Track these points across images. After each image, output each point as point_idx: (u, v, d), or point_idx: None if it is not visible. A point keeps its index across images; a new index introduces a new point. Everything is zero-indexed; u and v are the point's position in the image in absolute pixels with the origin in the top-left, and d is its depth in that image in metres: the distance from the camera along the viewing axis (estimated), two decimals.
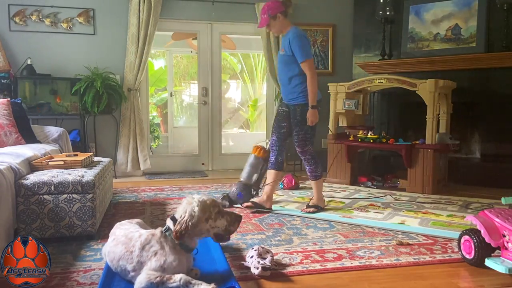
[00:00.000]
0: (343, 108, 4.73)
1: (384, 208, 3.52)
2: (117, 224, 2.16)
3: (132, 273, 1.88)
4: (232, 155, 6.09)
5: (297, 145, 3.39)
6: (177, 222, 1.87)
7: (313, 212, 3.31)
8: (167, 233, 1.90)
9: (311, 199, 3.50)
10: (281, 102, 3.56)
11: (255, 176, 3.65)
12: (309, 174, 3.45)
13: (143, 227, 2.17)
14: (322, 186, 3.48)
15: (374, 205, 3.61)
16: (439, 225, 3.02)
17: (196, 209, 1.89)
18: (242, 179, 3.67)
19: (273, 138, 3.50)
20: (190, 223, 1.86)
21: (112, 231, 2.11)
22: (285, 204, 3.66)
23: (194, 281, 1.80)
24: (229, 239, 2.03)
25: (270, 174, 3.48)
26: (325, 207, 3.47)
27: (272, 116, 5.64)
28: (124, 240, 1.95)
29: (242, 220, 3.09)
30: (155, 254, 1.86)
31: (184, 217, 1.87)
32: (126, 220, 2.20)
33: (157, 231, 1.93)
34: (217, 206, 1.98)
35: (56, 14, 4.88)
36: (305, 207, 3.40)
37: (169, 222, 1.93)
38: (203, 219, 1.91)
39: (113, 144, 5.11)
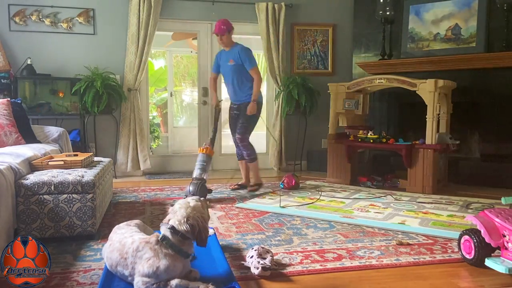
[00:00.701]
0: (343, 108, 4.73)
1: (384, 208, 3.52)
2: (115, 228, 2.14)
3: (129, 278, 1.88)
4: (232, 155, 6.06)
5: (239, 132, 4.16)
6: (195, 235, 1.87)
7: (256, 190, 4.21)
8: (164, 242, 1.85)
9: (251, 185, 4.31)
10: (232, 106, 4.33)
11: (205, 173, 3.93)
12: (247, 158, 4.22)
13: (141, 228, 2.16)
14: (258, 167, 4.31)
15: (375, 205, 3.61)
16: (439, 225, 3.02)
17: (206, 212, 1.97)
18: (195, 177, 3.82)
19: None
20: (205, 229, 1.92)
21: (110, 235, 2.10)
22: (286, 204, 3.65)
23: (191, 284, 1.80)
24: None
25: (242, 163, 4.35)
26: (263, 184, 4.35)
27: (272, 116, 5.65)
28: (118, 246, 1.94)
29: (242, 221, 3.12)
30: (148, 260, 1.82)
31: (197, 228, 1.87)
32: (124, 223, 2.17)
33: (152, 239, 1.88)
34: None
35: (56, 14, 4.88)
36: (249, 188, 4.27)
37: (165, 231, 1.88)
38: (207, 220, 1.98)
39: (113, 144, 5.11)
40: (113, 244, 1.98)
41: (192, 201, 1.95)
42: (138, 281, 1.81)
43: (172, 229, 1.87)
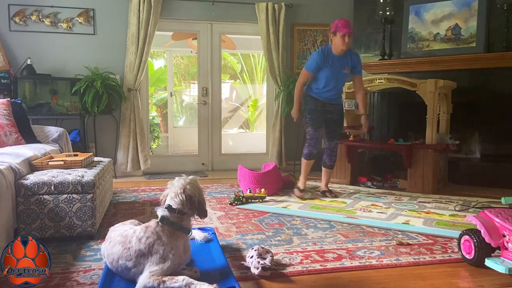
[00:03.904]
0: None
1: (386, 208, 3.52)
2: (111, 228, 2.15)
3: (133, 270, 1.88)
4: (232, 155, 6.09)
5: (337, 136, 4.10)
6: (197, 207, 1.92)
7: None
8: (164, 222, 1.90)
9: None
10: (324, 104, 3.94)
11: None
12: (333, 164, 4.15)
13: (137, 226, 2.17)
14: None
15: (376, 205, 3.61)
16: (443, 224, 3.02)
17: (198, 185, 1.98)
18: None
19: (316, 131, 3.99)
20: (202, 199, 1.95)
21: (107, 235, 2.11)
22: (287, 204, 3.65)
23: (196, 282, 1.80)
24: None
25: (326, 171, 4.19)
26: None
27: (272, 116, 5.64)
28: (120, 239, 1.95)
29: (242, 221, 3.12)
30: (152, 245, 1.86)
31: (197, 198, 1.91)
32: (119, 223, 2.20)
33: (152, 223, 1.94)
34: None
35: (56, 14, 4.88)
36: (330, 194, 4.01)
37: (162, 212, 1.93)
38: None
39: (113, 144, 5.11)
40: (113, 240, 2.00)
41: (188, 177, 1.99)
42: (144, 274, 1.83)
43: (169, 207, 1.92)
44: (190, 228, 1.99)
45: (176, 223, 1.90)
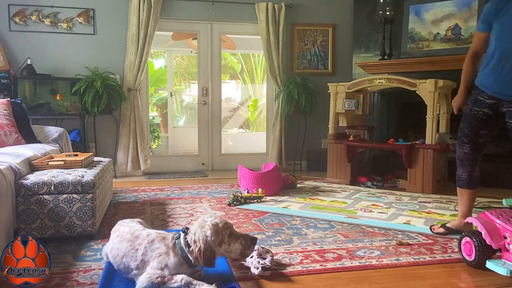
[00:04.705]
0: (343, 108, 4.73)
1: (387, 208, 3.52)
2: (120, 221, 2.16)
3: (135, 271, 1.88)
4: (232, 155, 6.09)
5: None
6: (194, 252, 1.82)
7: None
8: (176, 241, 1.89)
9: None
10: (500, 102, 2.51)
11: None
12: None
13: (144, 226, 2.18)
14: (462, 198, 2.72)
15: (377, 205, 3.61)
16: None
17: (209, 233, 1.85)
18: None
19: (467, 149, 2.64)
20: (208, 249, 1.82)
21: (114, 228, 2.12)
22: (287, 204, 3.65)
23: (195, 282, 1.80)
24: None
25: (471, 194, 2.70)
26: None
27: (272, 116, 5.64)
28: (130, 237, 1.95)
29: (242, 221, 3.11)
30: (159, 255, 1.86)
31: (199, 245, 1.82)
32: (128, 219, 2.20)
33: (169, 236, 1.94)
34: (229, 228, 1.91)
35: (56, 14, 4.88)
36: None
37: (181, 231, 1.91)
38: (216, 243, 1.86)
39: (113, 144, 5.11)
40: (122, 235, 1.99)
41: (209, 219, 1.89)
42: (144, 274, 1.83)
43: (185, 230, 1.90)
44: (195, 263, 1.87)
45: (183, 249, 1.86)
